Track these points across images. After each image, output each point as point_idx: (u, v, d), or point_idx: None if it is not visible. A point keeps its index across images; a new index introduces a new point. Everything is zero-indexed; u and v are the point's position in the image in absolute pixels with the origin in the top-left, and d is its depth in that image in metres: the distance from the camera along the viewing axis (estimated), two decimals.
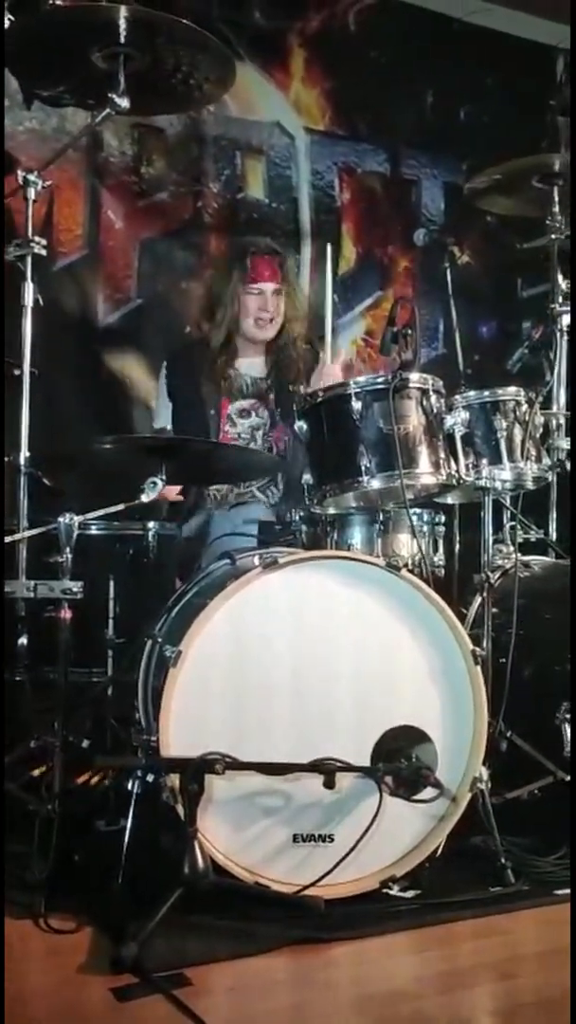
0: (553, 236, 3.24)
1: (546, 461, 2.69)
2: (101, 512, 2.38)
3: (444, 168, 4.65)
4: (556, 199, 3.22)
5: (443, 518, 2.77)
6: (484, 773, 2.22)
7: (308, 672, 2.15)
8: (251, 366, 3.32)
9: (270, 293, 3.23)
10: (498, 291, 4.68)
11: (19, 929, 1.93)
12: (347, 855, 2.05)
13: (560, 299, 3.15)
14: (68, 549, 2.26)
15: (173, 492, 3.15)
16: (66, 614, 2.27)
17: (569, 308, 3.13)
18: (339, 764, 2.03)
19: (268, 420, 3.28)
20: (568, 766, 2.39)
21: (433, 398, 2.47)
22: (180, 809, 1.95)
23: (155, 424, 3.37)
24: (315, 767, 2.03)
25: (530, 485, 2.69)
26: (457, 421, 2.50)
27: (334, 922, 1.98)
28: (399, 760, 2.11)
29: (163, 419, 3.32)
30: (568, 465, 3.03)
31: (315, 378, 3.16)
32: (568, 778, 2.39)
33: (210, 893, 1.91)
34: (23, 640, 2.49)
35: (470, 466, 2.52)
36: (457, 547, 2.83)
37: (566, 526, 3.08)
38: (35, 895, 2.01)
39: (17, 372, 2.56)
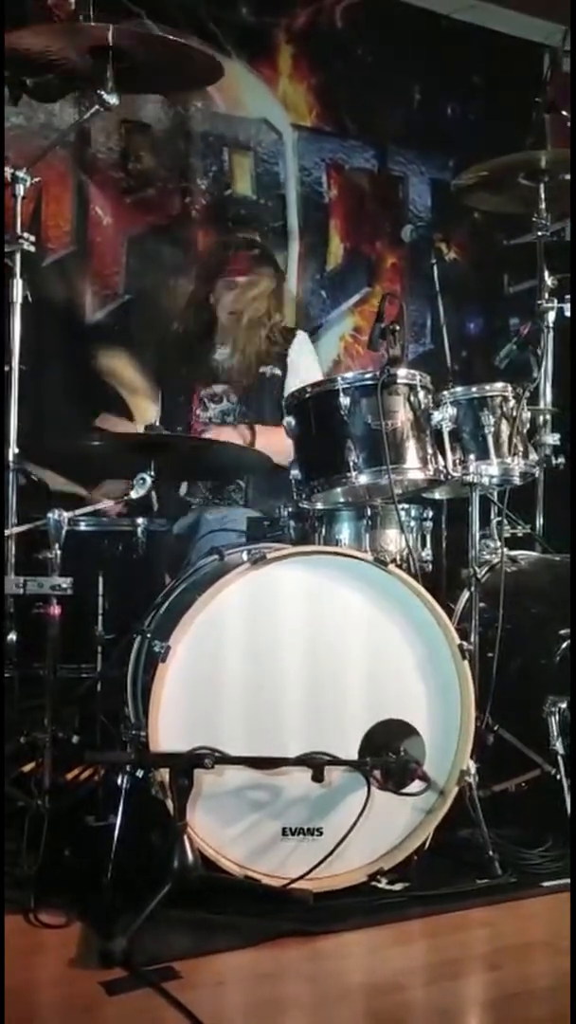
0: (539, 232, 3.26)
1: (533, 457, 2.70)
2: (90, 508, 2.39)
3: (431, 165, 4.65)
4: (542, 196, 3.24)
5: (431, 513, 2.78)
6: (471, 766, 2.23)
7: (296, 667, 2.16)
8: (223, 352, 3.34)
9: (243, 287, 3.29)
10: (485, 287, 4.69)
11: (9, 924, 1.93)
12: (335, 848, 2.07)
13: (546, 295, 3.17)
14: (57, 545, 2.26)
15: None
16: (55, 610, 2.27)
17: (555, 304, 3.15)
18: (327, 758, 2.05)
19: (237, 406, 3.30)
20: (554, 759, 2.41)
21: (421, 394, 2.48)
22: (169, 804, 1.96)
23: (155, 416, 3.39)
24: (303, 761, 2.04)
25: (517, 480, 2.70)
26: (445, 417, 2.51)
27: (323, 915, 2.00)
28: (387, 754, 2.12)
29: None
30: (555, 461, 3.04)
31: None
32: (554, 771, 2.40)
33: (199, 887, 1.92)
34: (12, 636, 2.50)
35: (457, 461, 2.54)
36: (444, 542, 2.84)
37: (552, 521, 3.10)
38: (25, 890, 2.02)
39: (6, 368, 2.56)
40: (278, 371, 3.29)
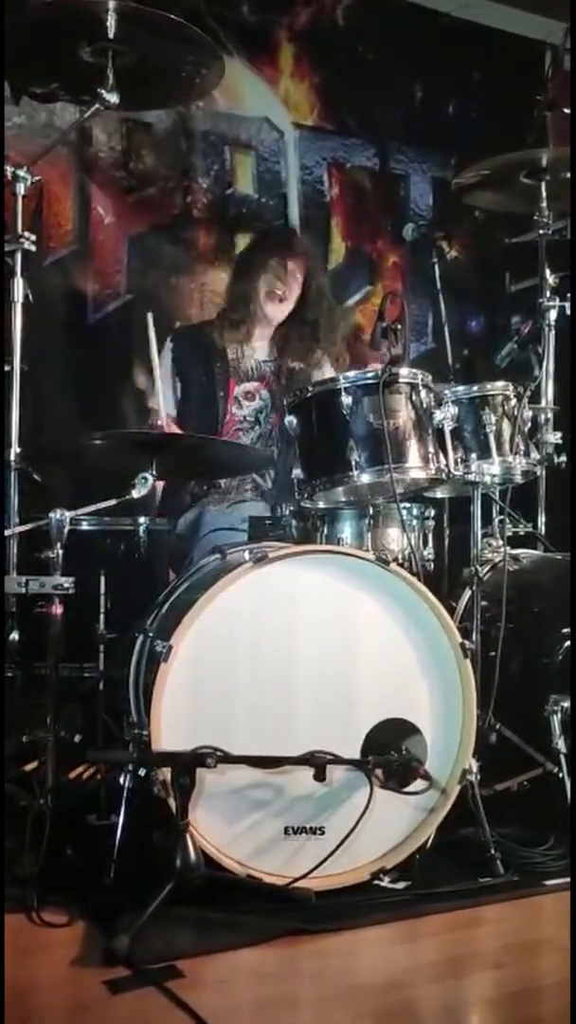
0: (540, 231, 3.26)
1: (534, 455, 2.70)
2: (92, 508, 2.39)
3: (432, 163, 4.65)
4: (543, 194, 3.24)
5: (432, 512, 2.78)
6: (473, 765, 2.23)
7: (298, 666, 2.16)
8: (257, 348, 3.32)
9: (289, 272, 3.25)
10: (486, 286, 4.69)
11: (12, 923, 1.93)
12: (338, 847, 2.07)
13: (548, 293, 3.17)
14: (59, 545, 2.26)
15: None
16: (57, 609, 2.27)
17: (557, 303, 3.15)
18: (330, 757, 2.05)
19: (270, 402, 3.29)
20: (556, 758, 2.41)
21: (423, 393, 2.48)
22: (172, 803, 1.96)
23: (151, 405, 3.36)
24: (306, 760, 2.04)
25: (519, 479, 2.71)
26: (446, 416, 2.51)
27: (325, 914, 2.00)
28: (389, 753, 2.12)
29: (164, 401, 3.32)
30: (556, 459, 3.05)
31: None
32: (556, 769, 2.41)
33: (201, 886, 1.92)
34: (14, 635, 2.50)
35: (459, 460, 2.54)
36: (446, 541, 2.85)
37: (554, 520, 3.10)
38: (27, 889, 2.02)
39: (7, 368, 2.57)
40: (303, 364, 3.27)
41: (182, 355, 3.33)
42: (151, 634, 2.30)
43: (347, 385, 2.42)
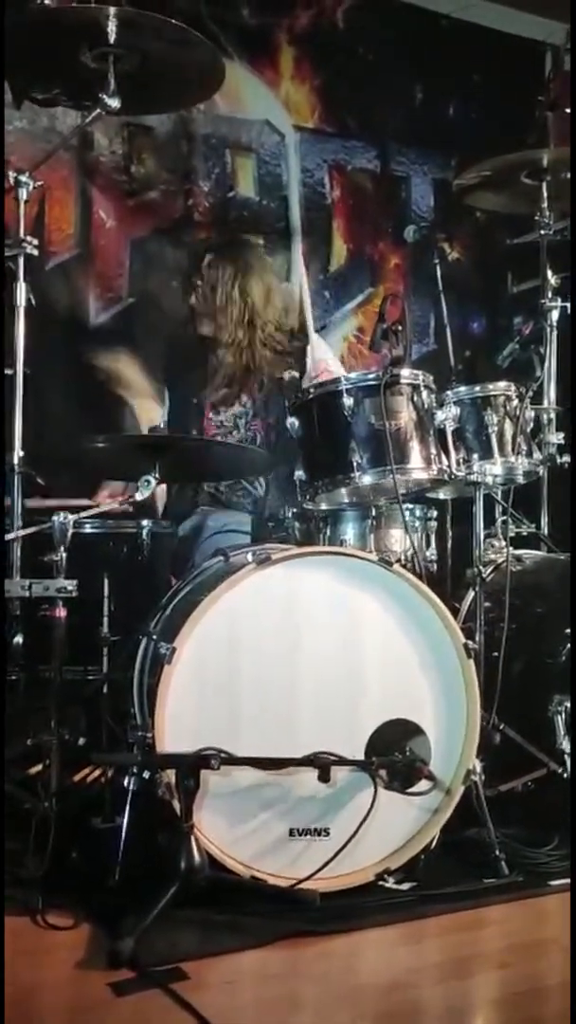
0: (542, 232, 3.26)
1: (537, 456, 2.70)
2: (95, 510, 2.39)
3: (433, 164, 4.66)
4: (544, 195, 3.24)
5: (435, 513, 2.78)
6: (478, 765, 2.24)
7: (302, 667, 2.16)
8: (222, 354, 3.33)
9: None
10: (488, 287, 4.69)
11: (17, 926, 1.94)
12: (342, 848, 2.07)
13: (549, 294, 3.17)
14: (62, 548, 2.27)
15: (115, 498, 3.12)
16: (61, 612, 2.28)
17: (559, 303, 3.15)
18: (334, 758, 2.05)
19: (250, 409, 3.30)
20: (560, 758, 2.41)
21: (424, 394, 2.48)
22: (176, 805, 1.97)
23: (160, 418, 3.39)
24: (310, 761, 2.04)
25: (521, 480, 2.71)
26: (448, 416, 2.51)
27: (330, 915, 2.00)
28: (393, 753, 2.12)
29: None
30: (559, 459, 3.04)
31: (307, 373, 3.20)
32: (560, 770, 2.40)
33: (206, 887, 1.93)
34: (18, 639, 2.50)
35: (461, 461, 2.54)
36: (449, 542, 2.84)
37: (557, 520, 3.10)
38: (32, 892, 2.02)
39: (10, 372, 2.57)
40: (296, 373, 3.28)
41: (169, 367, 3.39)
42: (155, 636, 2.31)
43: (348, 386, 2.42)
